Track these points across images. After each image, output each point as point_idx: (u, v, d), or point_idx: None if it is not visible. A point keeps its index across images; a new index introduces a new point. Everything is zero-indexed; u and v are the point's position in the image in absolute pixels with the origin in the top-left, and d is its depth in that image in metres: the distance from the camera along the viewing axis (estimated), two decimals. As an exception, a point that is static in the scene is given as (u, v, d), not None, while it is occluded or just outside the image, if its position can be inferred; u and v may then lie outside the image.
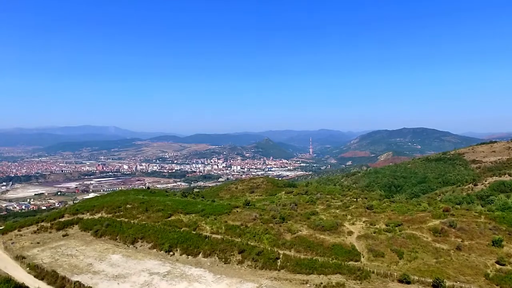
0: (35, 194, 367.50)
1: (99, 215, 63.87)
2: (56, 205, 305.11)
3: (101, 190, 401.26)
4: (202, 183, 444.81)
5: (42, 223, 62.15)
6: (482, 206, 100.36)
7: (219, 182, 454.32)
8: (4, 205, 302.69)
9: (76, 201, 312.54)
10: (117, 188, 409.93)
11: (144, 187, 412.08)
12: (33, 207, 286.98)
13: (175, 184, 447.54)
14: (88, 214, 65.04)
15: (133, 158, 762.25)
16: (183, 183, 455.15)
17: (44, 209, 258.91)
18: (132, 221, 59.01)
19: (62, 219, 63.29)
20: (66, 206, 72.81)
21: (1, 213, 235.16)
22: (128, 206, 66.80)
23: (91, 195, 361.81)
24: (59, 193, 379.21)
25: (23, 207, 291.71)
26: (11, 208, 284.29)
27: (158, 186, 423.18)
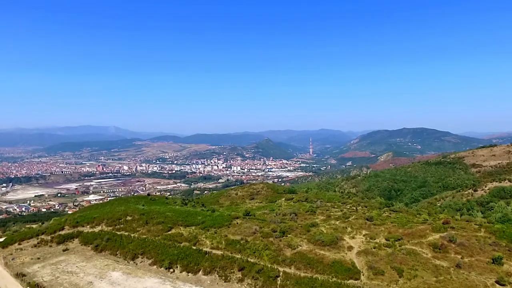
0: (35, 196, 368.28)
1: (99, 228, 63.84)
2: (56, 207, 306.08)
3: (101, 192, 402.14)
4: (202, 184, 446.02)
5: (42, 236, 62.26)
6: (482, 213, 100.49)
7: (219, 183, 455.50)
8: (4, 207, 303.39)
9: (76, 203, 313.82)
10: (117, 190, 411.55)
11: (144, 188, 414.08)
12: (33, 209, 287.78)
13: (175, 185, 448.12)
14: (88, 226, 65.01)
15: (133, 158, 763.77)
16: (183, 184, 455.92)
17: (44, 211, 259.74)
18: (132, 235, 58.98)
19: (62, 232, 63.33)
20: (67, 218, 72.87)
21: (1, 215, 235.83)
22: (129, 218, 66.78)
23: (91, 196, 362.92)
24: (59, 195, 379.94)
25: (23, 209, 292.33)
26: (11, 210, 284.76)
27: (158, 187, 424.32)
